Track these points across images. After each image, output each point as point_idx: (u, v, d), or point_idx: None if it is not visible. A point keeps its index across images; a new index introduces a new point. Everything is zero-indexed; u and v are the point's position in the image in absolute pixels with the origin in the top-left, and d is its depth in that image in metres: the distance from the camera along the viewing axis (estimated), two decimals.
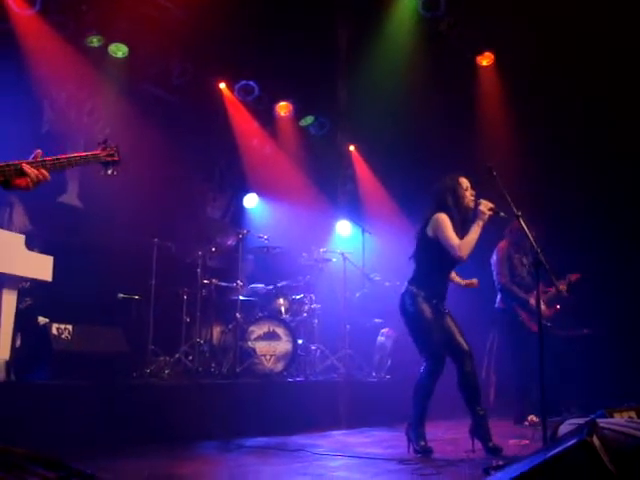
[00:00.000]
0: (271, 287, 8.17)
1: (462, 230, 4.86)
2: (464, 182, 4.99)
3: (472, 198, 4.92)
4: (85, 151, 3.73)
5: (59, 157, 3.46)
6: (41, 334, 5.71)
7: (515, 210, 4.72)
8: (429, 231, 4.91)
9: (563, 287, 6.75)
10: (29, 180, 3.35)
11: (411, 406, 5.01)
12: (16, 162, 3.35)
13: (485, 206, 4.79)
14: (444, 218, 4.84)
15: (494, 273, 7.04)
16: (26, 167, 3.34)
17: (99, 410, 5.17)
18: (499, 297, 7.07)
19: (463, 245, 4.76)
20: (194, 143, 9.75)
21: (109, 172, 3.64)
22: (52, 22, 7.57)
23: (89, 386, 5.33)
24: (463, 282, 5.33)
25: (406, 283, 5.05)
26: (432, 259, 4.95)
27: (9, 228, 6.23)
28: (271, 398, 6.43)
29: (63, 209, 7.78)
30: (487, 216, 4.77)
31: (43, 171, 3.37)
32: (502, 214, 4.70)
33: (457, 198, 4.91)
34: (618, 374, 7.42)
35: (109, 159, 3.61)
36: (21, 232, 5.86)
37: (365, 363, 8.08)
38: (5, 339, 5.46)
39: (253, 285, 8.33)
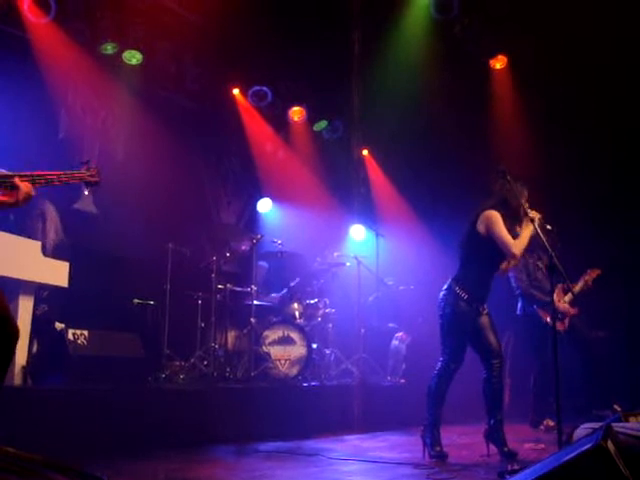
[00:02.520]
0: (285, 290, 8.18)
1: (510, 232, 4.86)
2: (525, 191, 4.98)
3: (526, 205, 4.88)
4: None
5: (49, 173, 3.53)
6: (57, 340, 5.75)
7: (529, 212, 4.75)
8: (480, 227, 4.89)
9: (589, 278, 6.82)
10: (21, 194, 3.33)
11: (425, 409, 5.02)
12: (7, 174, 3.36)
13: (534, 214, 4.79)
14: (497, 216, 4.85)
15: (512, 280, 7.01)
16: (18, 181, 3.34)
17: (115, 415, 5.19)
18: (520, 304, 7.04)
19: (518, 243, 4.79)
20: (208, 148, 9.81)
21: (86, 193, 3.89)
22: (67, 30, 7.62)
23: (105, 391, 5.35)
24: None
25: (450, 280, 5.03)
26: (480, 256, 4.94)
27: (44, 241, 6.19)
28: (286, 402, 6.44)
29: (79, 215, 7.83)
30: (536, 221, 4.74)
31: (31, 187, 3.38)
32: (548, 226, 4.67)
33: (518, 204, 4.86)
34: (635, 377, 7.39)
35: (91, 179, 3.80)
36: (55, 243, 5.92)
37: (380, 367, 8.06)
38: (22, 344, 5.50)
39: (269, 295, 8.35)
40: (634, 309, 7.95)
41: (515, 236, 4.84)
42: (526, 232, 4.82)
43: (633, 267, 8.05)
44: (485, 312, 5.00)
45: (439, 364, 5.01)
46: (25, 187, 3.35)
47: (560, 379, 4.18)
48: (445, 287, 5.05)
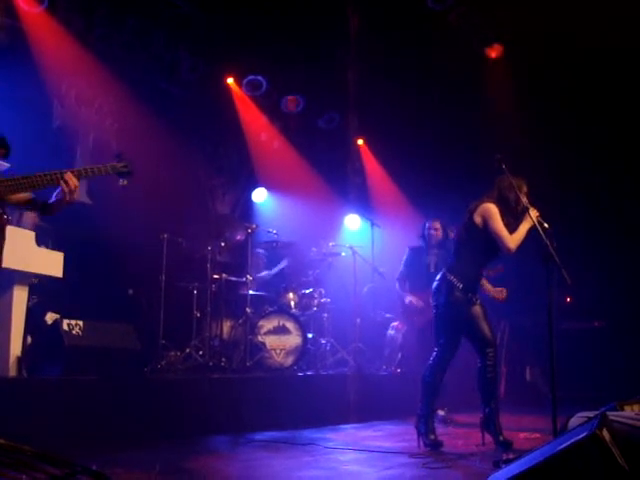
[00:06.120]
0: (276, 269, 8.18)
1: (508, 228, 4.86)
2: (524, 186, 4.94)
3: (526, 201, 4.83)
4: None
5: (84, 167, 3.83)
6: (52, 330, 5.73)
7: (525, 202, 4.74)
8: (477, 218, 4.90)
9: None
10: (67, 192, 3.68)
11: (419, 399, 5.03)
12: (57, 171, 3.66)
13: (534, 212, 4.76)
14: (495, 209, 4.85)
15: None
16: (69, 176, 3.68)
17: (110, 405, 5.19)
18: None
19: (514, 238, 4.79)
20: (203, 138, 9.77)
21: (124, 182, 4.02)
22: (60, 19, 7.57)
23: (100, 381, 5.35)
24: (492, 290, 5.35)
25: (444, 270, 5.05)
26: (474, 248, 4.96)
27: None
28: (281, 392, 6.44)
29: (72, 206, 7.79)
30: (535, 220, 4.71)
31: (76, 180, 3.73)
32: (545, 225, 4.64)
33: (517, 198, 4.85)
34: (630, 366, 7.41)
35: (124, 170, 3.96)
36: (31, 229, 5.86)
37: (375, 357, 8.08)
38: (17, 335, 5.49)
39: (260, 275, 8.34)
40: (632, 300, 7.96)
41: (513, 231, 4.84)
42: (524, 227, 4.81)
43: (632, 259, 8.06)
44: (478, 302, 5.01)
45: (434, 354, 5.03)
46: (72, 180, 3.70)
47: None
48: (439, 277, 5.08)
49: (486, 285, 5.34)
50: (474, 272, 5.02)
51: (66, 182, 3.66)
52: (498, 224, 4.82)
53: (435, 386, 5.01)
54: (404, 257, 7.30)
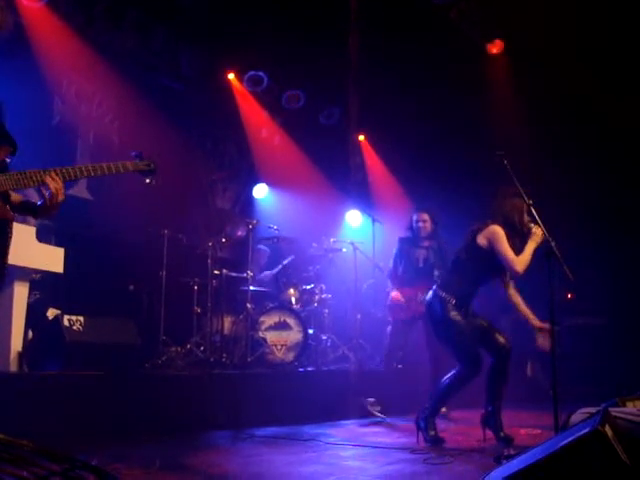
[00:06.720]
0: (279, 267, 8.15)
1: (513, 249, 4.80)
2: (525, 205, 4.80)
3: (529, 224, 4.79)
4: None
5: (100, 164, 3.62)
6: (53, 326, 5.73)
7: (526, 199, 4.71)
8: (481, 240, 4.83)
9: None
10: (49, 194, 3.34)
11: (432, 398, 5.02)
12: (39, 170, 3.36)
13: (539, 230, 4.69)
14: (502, 232, 4.78)
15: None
16: (48, 178, 3.34)
17: (111, 401, 5.19)
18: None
19: (521, 260, 4.71)
20: (204, 134, 9.75)
21: (148, 181, 3.92)
22: (61, 14, 7.56)
23: (101, 377, 5.35)
24: (536, 322, 5.02)
25: (435, 287, 5.01)
26: (475, 269, 4.90)
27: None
28: (282, 388, 6.44)
29: (73, 202, 7.79)
30: (540, 239, 4.67)
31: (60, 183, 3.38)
32: (552, 243, 4.57)
33: (521, 220, 4.82)
34: (632, 362, 7.41)
35: (146, 168, 3.87)
36: (33, 225, 5.87)
37: (376, 353, 8.07)
38: (17, 331, 5.49)
39: (262, 275, 8.33)
40: (633, 296, 7.96)
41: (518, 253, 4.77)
42: (530, 247, 4.73)
43: (634, 255, 8.05)
44: (471, 312, 4.96)
45: (458, 368, 4.93)
46: (53, 183, 3.37)
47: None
48: (430, 295, 5.02)
49: (531, 318, 5.05)
50: (469, 291, 4.95)
51: (47, 184, 3.37)
52: (505, 246, 4.74)
53: (447, 395, 5.03)
54: (394, 250, 7.23)
